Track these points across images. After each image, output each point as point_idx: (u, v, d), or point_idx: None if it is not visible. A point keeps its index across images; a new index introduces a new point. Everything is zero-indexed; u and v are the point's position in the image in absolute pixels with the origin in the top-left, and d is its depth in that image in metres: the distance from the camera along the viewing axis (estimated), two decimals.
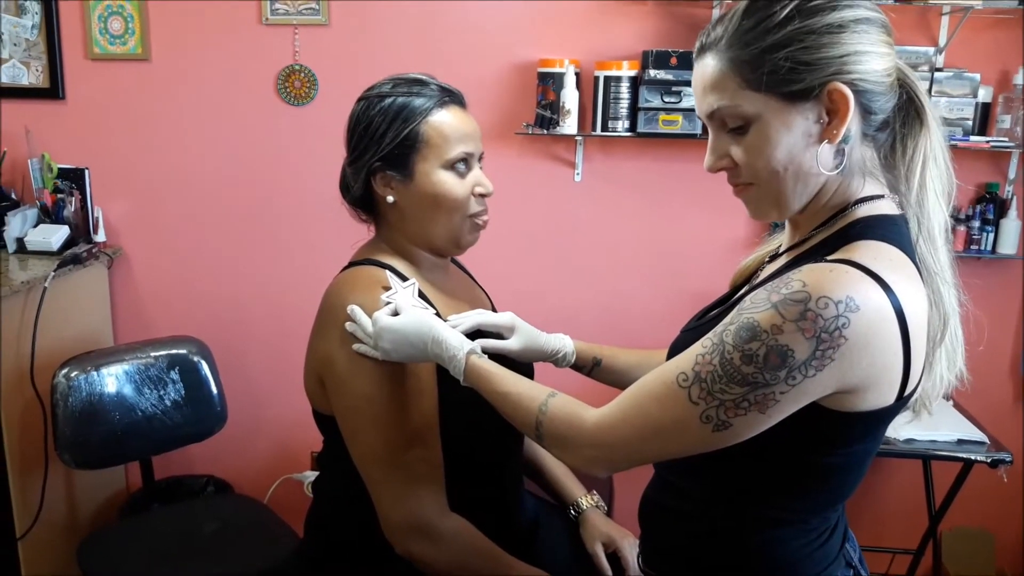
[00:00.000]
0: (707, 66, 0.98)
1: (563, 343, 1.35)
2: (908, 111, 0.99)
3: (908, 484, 2.57)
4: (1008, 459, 2.05)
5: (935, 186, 0.98)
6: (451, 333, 1.18)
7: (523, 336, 1.31)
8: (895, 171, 1.00)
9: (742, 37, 0.95)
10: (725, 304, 1.10)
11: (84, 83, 2.53)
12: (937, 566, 2.51)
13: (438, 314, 1.25)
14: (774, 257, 1.10)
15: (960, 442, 2.11)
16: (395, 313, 1.20)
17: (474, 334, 1.26)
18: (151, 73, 2.51)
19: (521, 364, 1.35)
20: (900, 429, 2.09)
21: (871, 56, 0.93)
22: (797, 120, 0.94)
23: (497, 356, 1.19)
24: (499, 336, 1.30)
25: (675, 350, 1.04)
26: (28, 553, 2.21)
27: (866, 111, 0.95)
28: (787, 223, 1.08)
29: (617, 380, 1.38)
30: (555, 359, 1.35)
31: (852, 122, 0.94)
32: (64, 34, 2.50)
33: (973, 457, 2.07)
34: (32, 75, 2.52)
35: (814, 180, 0.97)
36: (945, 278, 0.97)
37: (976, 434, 2.13)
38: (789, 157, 0.95)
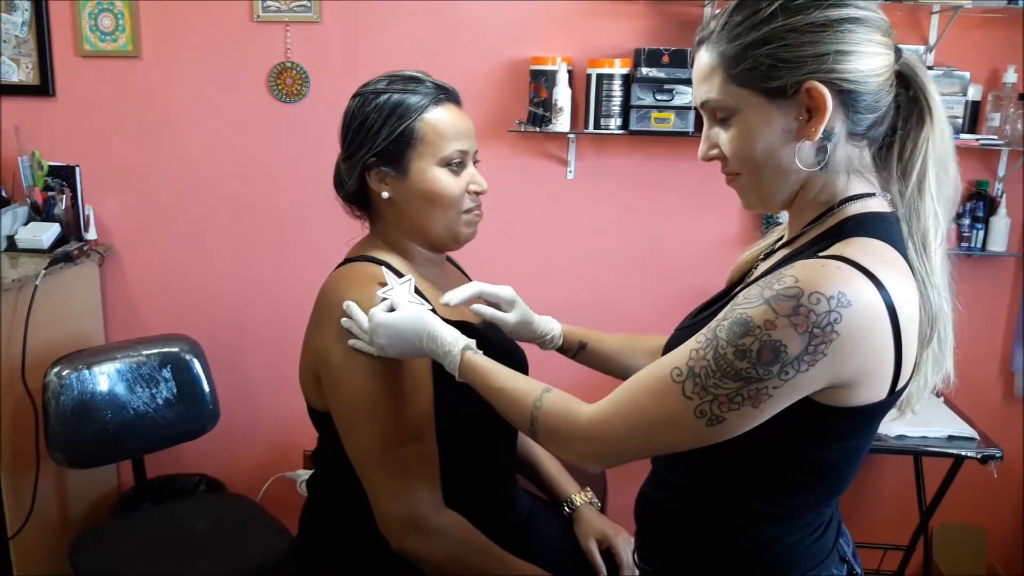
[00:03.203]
0: (701, 58, 1.00)
1: (551, 326, 1.37)
2: (912, 110, 0.99)
3: (899, 480, 2.58)
4: (998, 455, 2.07)
5: (932, 189, 0.97)
6: (446, 329, 1.18)
7: (519, 312, 1.33)
8: (889, 171, 1.00)
9: (730, 32, 0.96)
10: (719, 302, 1.10)
11: (74, 80, 2.52)
12: (928, 562, 2.52)
13: (434, 310, 1.25)
14: (768, 254, 1.11)
15: (951, 438, 2.12)
16: (391, 309, 1.20)
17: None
18: (142, 70, 2.50)
19: (516, 359, 1.36)
20: (891, 426, 2.10)
21: (857, 56, 0.93)
22: (776, 116, 0.95)
23: (491, 351, 1.19)
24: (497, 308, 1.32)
25: (670, 348, 1.04)
26: (20, 553, 2.20)
27: (852, 110, 0.95)
28: (788, 218, 1.08)
29: (602, 364, 1.40)
30: (542, 341, 1.37)
31: (835, 121, 0.95)
32: (54, 31, 2.49)
33: (963, 453, 2.09)
34: (22, 72, 2.51)
35: (794, 176, 0.98)
36: (933, 282, 0.96)
37: (966, 430, 2.14)
38: (768, 151, 0.97)
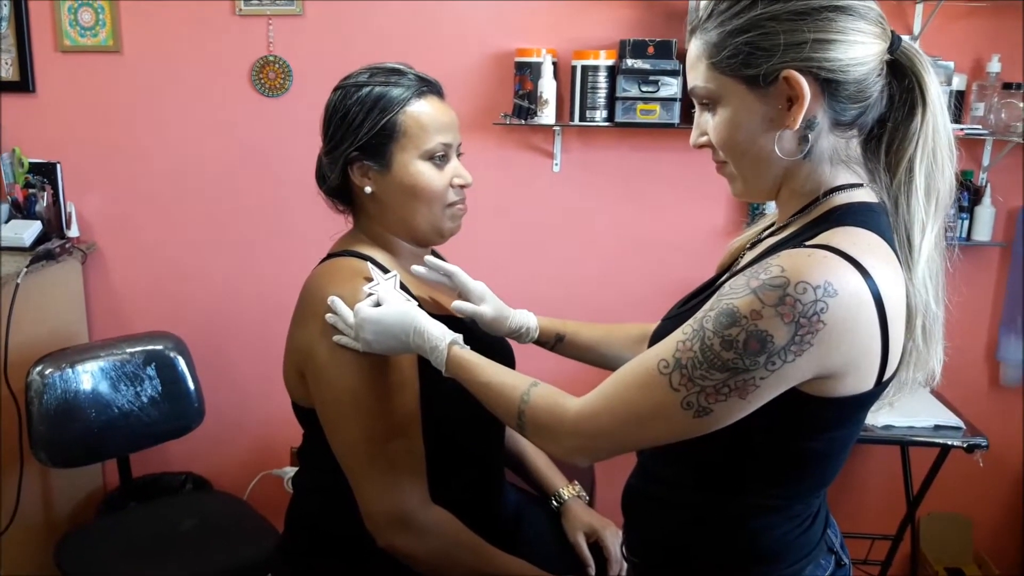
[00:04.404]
0: (690, 45, 1.00)
1: (526, 319, 1.37)
2: (906, 101, 0.97)
3: (886, 470, 2.59)
4: (984, 444, 2.08)
5: (920, 183, 0.96)
6: (433, 324, 1.18)
7: (492, 306, 1.33)
8: (876, 162, 0.99)
9: (715, 19, 0.97)
10: (706, 291, 1.10)
11: (55, 76, 2.50)
12: (915, 551, 2.54)
13: (420, 306, 1.25)
14: (755, 243, 1.10)
15: (937, 428, 2.13)
16: (376, 304, 1.20)
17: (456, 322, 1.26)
18: (123, 65, 2.48)
19: (503, 353, 1.35)
20: (878, 416, 2.10)
21: (837, 44, 0.92)
22: (757, 104, 0.95)
23: (478, 346, 1.18)
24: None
25: (656, 338, 1.04)
26: (5, 553, 2.18)
27: (834, 99, 0.94)
28: (776, 207, 1.08)
29: (581, 355, 1.40)
30: (518, 335, 1.37)
31: (816, 110, 0.94)
32: (34, 26, 2.46)
33: (950, 442, 2.10)
34: (1, 68, 2.48)
35: (776, 164, 0.98)
36: (915, 277, 0.96)
37: (952, 420, 2.15)
38: (750, 139, 0.97)
